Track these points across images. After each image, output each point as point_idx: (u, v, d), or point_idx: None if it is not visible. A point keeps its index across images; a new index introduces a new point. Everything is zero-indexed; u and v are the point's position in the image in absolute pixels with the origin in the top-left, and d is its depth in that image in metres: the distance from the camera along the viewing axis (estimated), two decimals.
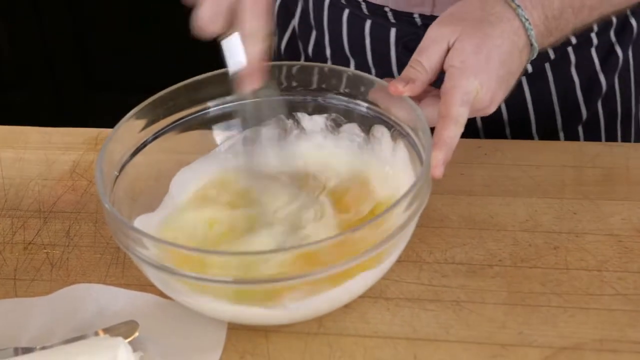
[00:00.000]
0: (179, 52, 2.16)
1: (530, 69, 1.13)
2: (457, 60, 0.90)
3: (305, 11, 1.22)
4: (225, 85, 0.96)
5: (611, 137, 1.21)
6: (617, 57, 1.17)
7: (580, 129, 1.19)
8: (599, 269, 0.92)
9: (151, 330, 0.88)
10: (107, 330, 0.87)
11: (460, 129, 0.89)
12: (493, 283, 0.91)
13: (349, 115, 0.98)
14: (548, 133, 1.17)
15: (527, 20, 0.92)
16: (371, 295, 0.90)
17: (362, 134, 0.98)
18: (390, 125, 0.95)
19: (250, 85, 0.92)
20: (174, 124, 0.97)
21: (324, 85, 0.98)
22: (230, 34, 0.90)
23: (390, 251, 0.85)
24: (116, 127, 0.93)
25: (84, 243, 0.99)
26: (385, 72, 1.15)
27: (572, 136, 1.19)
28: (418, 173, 0.89)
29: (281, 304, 0.83)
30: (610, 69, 1.17)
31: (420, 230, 0.95)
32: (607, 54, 1.16)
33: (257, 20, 0.89)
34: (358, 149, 0.98)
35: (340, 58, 1.20)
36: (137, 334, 0.87)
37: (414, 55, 0.91)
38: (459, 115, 0.89)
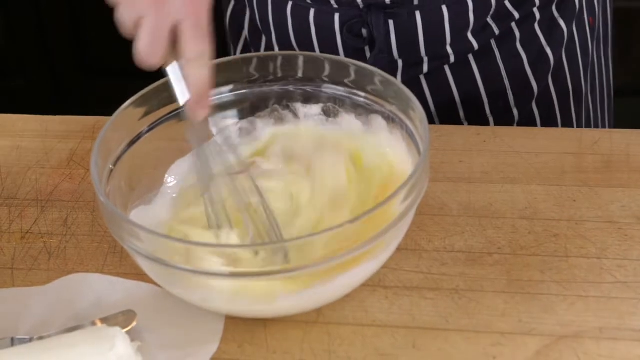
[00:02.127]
0: None
1: (476, 46, 1.14)
2: None
3: (252, 18, 1.21)
4: (222, 75, 0.96)
5: (566, 115, 1.21)
6: (562, 30, 1.17)
7: (534, 105, 1.19)
8: (598, 256, 0.92)
9: (149, 320, 0.87)
10: (104, 320, 0.87)
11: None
12: (492, 271, 0.91)
13: (345, 105, 0.97)
14: (502, 112, 1.17)
15: None
16: (370, 284, 0.90)
17: (359, 124, 0.97)
18: (387, 115, 0.95)
19: (201, 112, 0.89)
20: (171, 114, 0.97)
21: (320, 75, 0.97)
22: (170, 62, 0.87)
23: (389, 242, 0.85)
24: (113, 116, 0.93)
25: (81, 232, 0.99)
26: None
27: (526, 114, 1.19)
28: (416, 163, 0.89)
29: (279, 297, 0.83)
30: (556, 42, 1.17)
31: (420, 218, 0.95)
32: (550, 28, 1.17)
33: (200, 44, 0.86)
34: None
35: None
36: (134, 323, 0.86)
37: None
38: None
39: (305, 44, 1.16)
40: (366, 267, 0.85)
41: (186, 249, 0.82)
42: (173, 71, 0.88)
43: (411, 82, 1.15)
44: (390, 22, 1.11)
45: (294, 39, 1.17)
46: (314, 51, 1.16)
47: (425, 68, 1.14)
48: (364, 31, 1.13)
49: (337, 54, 1.15)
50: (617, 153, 1.03)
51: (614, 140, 1.05)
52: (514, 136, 1.06)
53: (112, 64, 2.49)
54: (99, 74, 2.51)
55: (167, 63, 0.87)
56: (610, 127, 1.31)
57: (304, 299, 0.84)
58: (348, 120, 0.98)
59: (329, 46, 1.15)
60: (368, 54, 1.14)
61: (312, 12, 1.14)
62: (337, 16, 1.13)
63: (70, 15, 2.44)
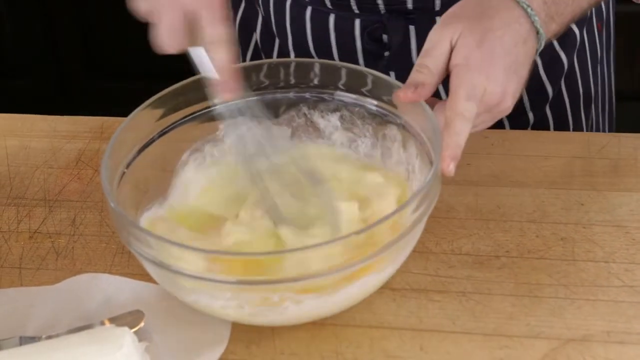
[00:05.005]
0: None
1: None
2: (460, 57, 0.89)
3: (266, 21, 1.21)
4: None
5: (577, 119, 1.22)
6: (574, 34, 1.18)
7: (547, 109, 1.19)
8: (606, 260, 0.92)
9: (157, 321, 0.87)
10: (112, 320, 0.87)
11: (467, 124, 0.88)
12: (500, 274, 0.91)
13: (358, 114, 0.97)
14: (518, 114, 1.17)
15: (528, 6, 0.91)
16: None
17: (374, 134, 0.97)
18: (400, 124, 0.95)
19: (228, 93, 0.91)
20: (185, 118, 0.96)
21: (334, 83, 0.97)
22: (194, 45, 0.89)
23: (397, 253, 0.84)
24: (126, 119, 0.92)
25: (89, 232, 0.99)
26: None
27: (540, 118, 1.19)
28: (427, 173, 0.89)
29: (287, 307, 0.82)
30: (568, 46, 1.17)
31: (427, 221, 0.94)
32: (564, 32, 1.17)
33: (218, 27, 0.88)
34: (371, 148, 0.98)
35: None
36: (142, 324, 0.87)
37: (419, 59, 0.90)
38: (465, 110, 0.87)
39: (323, 49, 1.16)
40: (374, 278, 0.84)
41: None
42: (196, 55, 0.89)
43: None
44: (411, 27, 1.11)
45: (311, 44, 1.16)
46: (332, 56, 1.16)
47: None
48: (385, 37, 1.12)
49: (356, 59, 1.15)
50: (625, 157, 1.03)
51: (622, 145, 1.05)
52: (522, 140, 1.06)
53: (118, 65, 2.49)
54: (106, 75, 2.51)
55: (189, 48, 0.89)
56: (611, 131, 1.32)
57: (311, 309, 0.84)
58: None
59: (348, 52, 1.15)
60: (387, 60, 1.14)
61: (332, 17, 1.14)
62: (357, 22, 1.13)
63: (78, 16, 2.45)
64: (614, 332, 0.85)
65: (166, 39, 0.88)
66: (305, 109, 0.99)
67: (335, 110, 0.98)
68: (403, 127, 0.94)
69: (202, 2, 0.88)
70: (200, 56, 0.89)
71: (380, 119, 0.96)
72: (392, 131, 0.96)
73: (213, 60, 0.89)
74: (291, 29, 1.17)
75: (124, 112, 0.95)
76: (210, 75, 0.90)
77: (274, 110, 0.98)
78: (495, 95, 0.89)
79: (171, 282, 0.85)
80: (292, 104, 0.99)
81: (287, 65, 0.98)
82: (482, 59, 0.89)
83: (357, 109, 0.97)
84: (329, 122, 0.99)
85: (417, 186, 0.93)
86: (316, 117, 0.99)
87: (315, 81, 0.98)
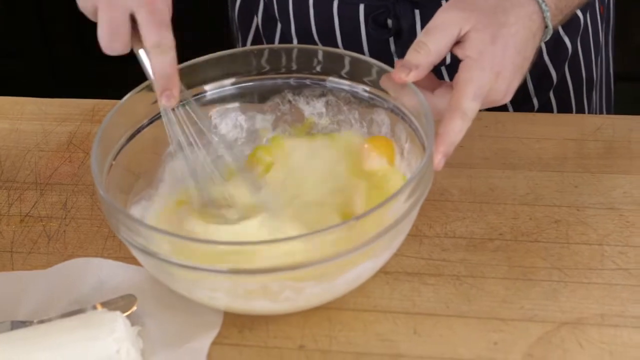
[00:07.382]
0: (177, 23, 2.14)
1: None
2: (474, 51, 0.88)
3: (268, 5, 1.20)
4: (222, 68, 0.95)
5: (579, 104, 1.22)
6: (578, 19, 1.17)
7: (551, 94, 1.19)
8: (600, 243, 0.91)
9: (149, 305, 0.87)
10: (105, 304, 0.87)
11: (468, 124, 0.87)
12: (493, 257, 0.91)
13: (348, 100, 0.97)
14: (521, 100, 1.17)
15: (543, 1, 0.90)
16: None
17: (360, 119, 0.97)
18: (388, 108, 0.94)
19: (165, 99, 0.88)
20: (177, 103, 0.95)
21: (323, 69, 0.96)
22: (139, 47, 0.87)
23: (390, 241, 0.84)
24: (120, 102, 0.91)
25: (81, 215, 0.98)
26: (356, 52, 1.14)
27: (544, 103, 1.19)
28: (419, 158, 0.88)
29: (282, 295, 0.82)
30: (572, 31, 1.17)
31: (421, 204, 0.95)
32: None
33: (157, 31, 0.86)
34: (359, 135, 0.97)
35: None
36: (135, 308, 0.86)
37: (420, 37, 0.89)
38: (468, 109, 0.87)
39: (327, 34, 1.15)
40: (367, 266, 0.84)
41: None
42: (140, 57, 0.88)
43: (433, 72, 1.14)
44: (417, 12, 1.10)
45: (315, 30, 1.16)
46: (336, 42, 1.15)
47: (448, 59, 1.13)
48: (390, 22, 1.12)
49: (361, 45, 1.14)
50: (619, 139, 1.03)
51: (616, 127, 1.04)
52: (515, 122, 1.06)
53: None
54: (97, 58, 2.50)
55: (136, 48, 0.87)
56: (610, 113, 1.31)
57: (310, 297, 0.83)
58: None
59: (352, 37, 1.14)
60: (392, 45, 1.13)
61: (335, 2, 1.13)
62: (362, 7, 1.12)
63: None
64: (608, 315, 0.85)
65: (107, 39, 0.86)
66: (290, 95, 0.98)
67: (321, 95, 0.97)
68: (392, 111, 0.94)
69: (141, 1, 0.85)
70: (142, 58, 0.87)
71: (368, 103, 0.95)
72: (380, 115, 0.95)
73: (151, 66, 0.87)
74: (294, 15, 1.17)
75: (116, 95, 0.94)
76: (151, 79, 0.88)
77: (260, 97, 0.97)
78: (499, 93, 0.89)
79: (161, 271, 0.84)
80: (277, 90, 0.98)
81: (275, 52, 0.97)
82: (494, 55, 0.88)
83: (343, 94, 0.96)
84: (314, 108, 0.98)
85: (406, 168, 0.92)
86: (301, 103, 0.98)
87: (301, 67, 0.96)
